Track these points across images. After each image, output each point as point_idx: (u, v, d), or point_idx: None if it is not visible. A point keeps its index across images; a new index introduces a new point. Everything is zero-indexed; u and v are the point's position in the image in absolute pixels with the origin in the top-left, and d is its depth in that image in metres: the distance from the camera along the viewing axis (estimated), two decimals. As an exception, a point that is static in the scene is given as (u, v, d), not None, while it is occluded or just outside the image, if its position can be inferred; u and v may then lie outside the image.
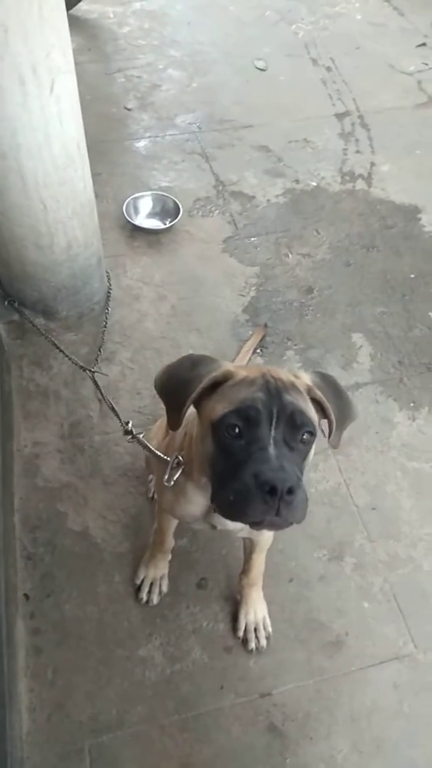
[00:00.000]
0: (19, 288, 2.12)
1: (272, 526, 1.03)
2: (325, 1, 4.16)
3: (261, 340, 2.25)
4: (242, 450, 1.01)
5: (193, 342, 2.28)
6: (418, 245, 2.66)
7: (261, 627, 1.63)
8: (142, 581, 1.70)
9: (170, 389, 1.13)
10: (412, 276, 2.54)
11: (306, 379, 1.12)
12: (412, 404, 2.14)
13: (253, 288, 2.47)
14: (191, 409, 1.14)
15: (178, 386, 1.09)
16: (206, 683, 1.58)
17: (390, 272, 2.55)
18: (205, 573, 1.75)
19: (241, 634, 1.63)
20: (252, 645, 1.62)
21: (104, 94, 3.32)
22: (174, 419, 1.11)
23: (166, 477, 1.26)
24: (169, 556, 1.71)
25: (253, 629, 1.63)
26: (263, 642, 1.62)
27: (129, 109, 3.25)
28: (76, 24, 3.76)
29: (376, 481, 1.95)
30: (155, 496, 1.85)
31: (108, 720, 1.53)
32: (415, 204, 2.83)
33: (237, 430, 1.01)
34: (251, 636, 1.62)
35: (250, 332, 2.29)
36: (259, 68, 3.59)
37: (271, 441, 1.00)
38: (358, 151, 3.09)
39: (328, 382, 1.15)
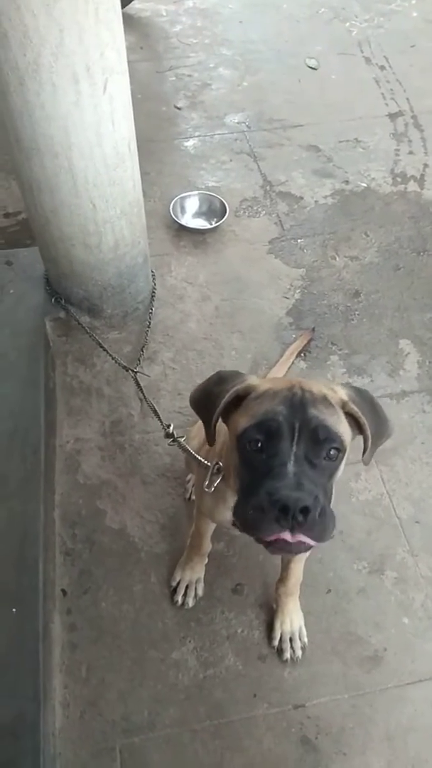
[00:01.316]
0: (66, 286, 2.14)
1: (282, 550, 1.00)
2: (381, -2, 4.07)
3: (307, 344, 2.21)
4: (263, 464, 0.99)
5: (235, 344, 2.26)
6: (471, 250, 2.57)
7: (297, 637, 1.61)
8: (178, 583, 1.69)
9: (201, 405, 1.15)
10: (464, 282, 2.46)
11: (341, 393, 1.09)
12: (460, 415, 2.07)
13: (298, 290, 2.44)
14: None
15: (207, 402, 1.11)
16: (239, 691, 1.56)
17: (441, 277, 2.47)
18: (241, 579, 1.74)
19: (276, 643, 1.61)
20: (287, 655, 1.59)
21: (155, 93, 3.33)
22: (207, 434, 1.13)
23: (207, 483, 1.25)
24: (206, 560, 1.70)
25: (288, 639, 1.60)
26: (298, 653, 1.60)
27: (179, 108, 3.25)
28: (128, 22, 3.76)
29: (421, 493, 1.89)
30: (192, 498, 1.85)
31: (140, 721, 1.53)
32: (469, 207, 2.75)
33: (259, 444, 1.00)
34: (286, 646, 1.60)
35: (294, 336, 2.26)
36: (310, 67, 3.54)
37: (292, 456, 0.97)
38: (410, 152, 3.01)
39: (363, 396, 1.12)
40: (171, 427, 1.57)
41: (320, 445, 0.99)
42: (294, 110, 3.24)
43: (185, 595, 1.68)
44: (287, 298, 2.42)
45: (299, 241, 2.61)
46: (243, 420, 1.04)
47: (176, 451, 1.96)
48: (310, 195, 2.80)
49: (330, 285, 2.45)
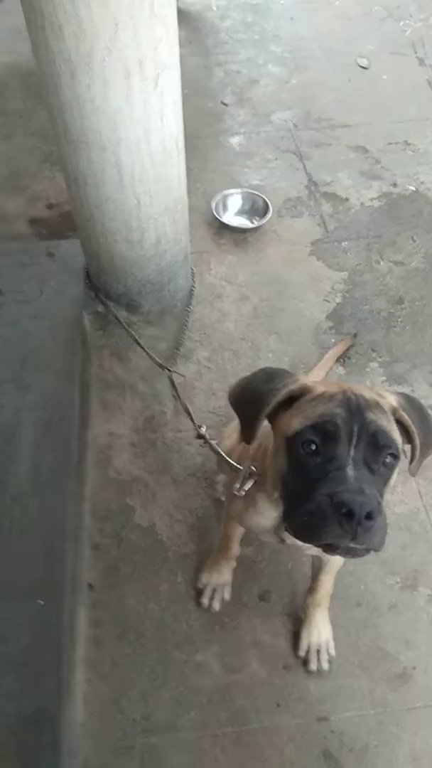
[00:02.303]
0: (106, 280, 2.14)
1: (347, 554, 0.96)
2: (437, -3, 3.97)
3: (347, 350, 2.17)
4: (318, 469, 0.95)
5: (272, 346, 2.23)
6: None
7: (324, 650, 1.57)
8: (205, 586, 1.68)
9: (244, 402, 1.09)
10: None
11: (391, 399, 1.05)
12: None
13: (339, 294, 2.39)
14: (266, 422, 1.10)
15: (253, 399, 1.05)
16: (262, 699, 1.54)
17: None
18: (269, 586, 1.71)
19: (303, 654, 1.58)
20: (313, 666, 1.56)
21: (202, 88, 3.31)
22: (248, 433, 1.08)
23: (238, 486, 1.23)
24: (234, 564, 1.68)
25: (315, 651, 1.57)
26: (325, 665, 1.57)
27: (226, 104, 3.22)
28: (178, 16, 3.76)
29: (458, 508, 1.84)
30: (222, 498, 1.83)
31: (160, 722, 1.52)
32: None
33: (313, 447, 0.96)
34: (313, 657, 1.57)
35: (334, 340, 2.22)
36: (361, 66, 3.47)
37: (351, 461, 0.94)
38: (461, 156, 2.93)
39: (413, 405, 1.08)
40: (203, 428, 1.55)
41: (379, 451, 0.96)
42: (343, 110, 3.18)
43: (212, 598, 1.66)
44: (328, 301, 2.37)
45: (343, 243, 2.56)
46: (296, 421, 0.99)
47: (208, 452, 1.94)
48: (356, 197, 2.75)
49: (373, 290, 2.40)
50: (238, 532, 1.58)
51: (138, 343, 2.16)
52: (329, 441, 0.95)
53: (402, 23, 3.78)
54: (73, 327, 2.11)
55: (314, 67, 3.45)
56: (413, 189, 2.77)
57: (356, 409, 0.97)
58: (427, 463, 1.92)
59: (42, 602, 1.53)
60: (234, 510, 1.36)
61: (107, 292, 2.18)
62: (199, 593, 1.68)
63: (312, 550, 1.36)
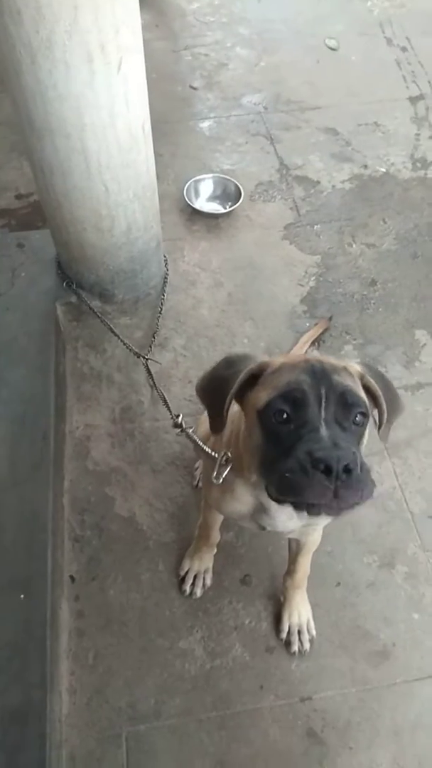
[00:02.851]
0: (77, 270, 2.11)
1: (330, 511, 0.95)
2: (404, -24, 3.95)
3: (322, 333, 2.18)
4: (292, 435, 0.96)
5: (248, 332, 2.23)
6: None
7: (305, 630, 1.60)
8: (186, 573, 1.68)
9: (211, 390, 1.11)
10: None
11: (356, 367, 1.08)
12: None
13: (313, 278, 2.39)
14: (235, 408, 1.12)
15: (218, 386, 1.08)
16: (246, 682, 1.56)
17: (459, 267, 2.42)
18: (249, 569, 1.72)
19: (284, 636, 1.60)
20: (295, 648, 1.58)
21: (170, 73, 3.26)
22: (217, 422, 1.10)
23: (215, 474, 1.23)
24: (214, 550, 1.69)
25: (296, 632, 1.59)
26: (306, 645, 1.59)
27: (195, 88, 3.18)
28: (144, 0, 3.70)
29: (434, 487, 1.86)
30: (200, 486, 1.83)
31: (146, 709, 1.53)
32: None
33: (285, 415, 0.97)
34: (294, 639, 1.59)
35: (308, 324, 2.22)
36: (330, 47, 3.45)
37: (322, 422, 0.95)
38: (431, 137, 2.93)
39: (375, 372, 1.11)
40: (180, 417, 1.55)
41: (348, 409, 0.97)
42: (312, 92, 3.16)
43: (193, 584, 1.67)
44: (302, 285, 2.37)
45: (315, 227, 2.56)
46: (264, 394, 1.01)
47: (186, 440, 1.94)
48: (327, 179, 2.75)
49: (346, 273, 2.41)
50: (218, 519, 1.59)
51: (113, 332, 2.14)
52: (299, 407, 0.96)
53: (369, 3, 3.77)
54: (46, 319, 2.08)
55: (283, 49, 3.42)
56: (384, 170, 2.78)
57: (321, 373, 0.99)
58: (402, 443, 1.95)
59: (23, 596, 1.53)
60: (212, 498, 1.37)
61: (79, 282, 2.16)
62: (181, 581, 1.69)
63: (292, 534, 1.37)
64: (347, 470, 0.89)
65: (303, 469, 0.91)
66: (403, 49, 3.43)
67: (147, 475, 1.90)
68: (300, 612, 1.61)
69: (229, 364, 1.10)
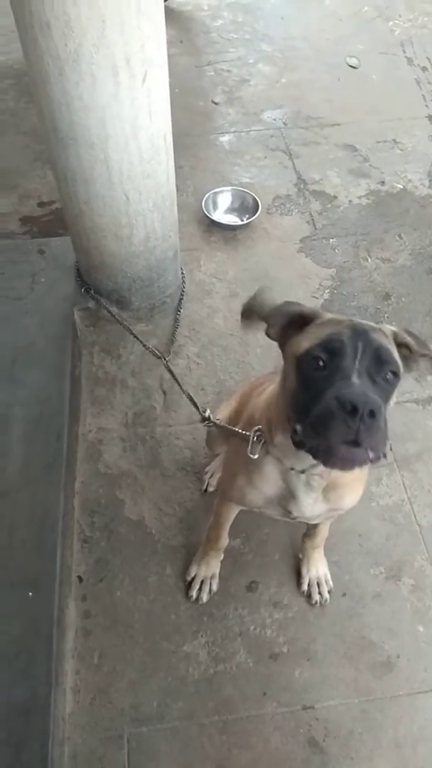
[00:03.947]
0: (96, 277, 2.15)
1: (346, 460, 0.99)
2: (426, -2, 4.01)
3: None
4: (325, 380, 1.01)
5: (261, 341, 2.25)
6: None
7: (323, 582, 1.69)
8: (193, 579, 1.70)
9: (261, 302, 1.16)
10: None
11: (391, 328, 1.12)
12: None
13: (327, 290, 2.42)
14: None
15: (270, 304, 1.13)
16: (249, 688, 1.56)
17: (474, 283, 2.43)
18: (256, 576, 1.73)
19: (305, 588, 1.70)
20: (316, 598, 1.68)
21: (192, 87, 3.33)
22: (248, 322, 1.17)
23: (249, 448, 1.25)
24: (222, 556, 1.70)
25: (316, 584, 1.69)
26: (326, 595, 1.69)
27: (216, 103, 3.24)
28: (169, 16, 3.76)
29: (443, 501, 1.86)
30: (209, 490, 1.86)
31: (149, 711, 1.54)
32: None
33: (321, 363, 1.02)
34: (315, 590, 1.69)
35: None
36: (351, 66, 3.50)
37: (355, 371, 0.99)
38: (449, 155, 2.96)
39: (411, 334, 1.14)
40: (207, 411, 1.59)
41: (381, 365, 1.02)
42: (332, 109, 3.20)
43: (200, 590, 1.69)
44: (316, 297, 2.40)
45: (331, 240, 2.59)
46: (305, 342, 1.06)
47: (197, 446, 1.97)
48: (344, 195, 2.78)
49: (360, 286, 2.43)
50: (231, 517, 1.61)
51: (133, 334, 2.17)
52: (335, 356, 1.01)
53: (391, 23, 3.81)
54: (64, 323, 2.12)
55: (304, 67, 3.48)
56: (401, 187, 2.80)
57: (361, 330, 1.03)
58: (412, 457, 1.96)
59: (31, 594, 1.55)
60: (236, 488, 1.37)
61: (97, 289, 2.20)
62: (188, 585, 1.71)
63: (318, 518, 1.39)
64: (372, 415, 0.93)
65: (330, 411, 0.95)
66: (424, 69, 3.47)
67: (157, 479, 1.92)
68: (318, 567, 1.70)
69: (288, 303, 1.14)
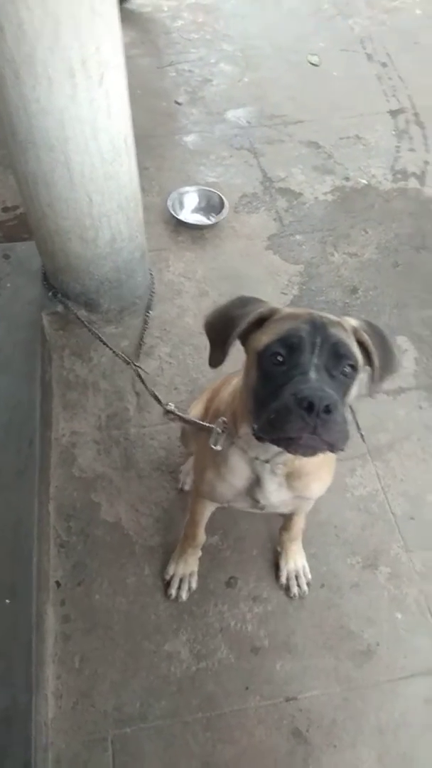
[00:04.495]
0: (63, 280, 2.14)
1: (307, 447, 1.02)
2: (384, -5, 4.07)
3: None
4: (284, 375, 1.03)
5: (233, 339, 2.26)
6: (471, 247, 2.57)
7: (301, 574, 1.70)
8: (172, 577, 1.70)
9: (219, 326, 1.16)
10: (463, 279, 2.45)
11: (353, 321, 1.13)
12: (456, 411, 2.07)
13: (296, 286, 2.44)
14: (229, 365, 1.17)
15: (227, 322, 1.13)
16: (231, 683, 1.57)
17: (439, 274, 2.47)
18: (234, 572, 1.74)
19: (283, 581, 1.70)
20: (294, 590, 1.69)
21: (155, 89, 3.33)
22: (218, 356, 1.16)
23: (212, 440, 1.28)
24: (199, 553, 1.70)
25: (294, 576, 1.70)
26: (304, 587, 1.69)
27: (179, 104, 3.25)
28: (129, 17, 3.78)
29: (416, 489, 1.89)
30: (185, 488, 1.86)
31: (132, 712, 1.53)
32: (468, 204, 2.74)
33: (280, 358, 1.04)
34: (293, 583, 1.69)
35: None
36: (312, 63, 3.53)
37: (312, 366, 1.01)
38: (411, 149, 3.01)
39: (374, 329, 1.15)
40: (171, 405, 1.60)
41: (339, 359, 1.04)
42: (295, 106, 3.23)
43: (179, 588, 1.69)
44: (285, 294, 2.42)
45: (298, 237, 2.61)
46: (265, 337, 1.07)
47: (171, 445, 1.97)
48: (309, 191, 2.80)
49: (328, 281, 2.45)
50: (207, 512, 1.62)
51: (101, 340, 2.16)
52: (294, 351, 1.03)
53: (350, 21, 3.86)
54: (32, 328, 2.11)
55: (266, 66, 3.50)
56: (365, 182, 2.84)
57: (320, 324, 1.05)
58: (384, 447, 1.99)
59: (8, 601, 1.54)
60: (206, 482, 1.39)
61: (65, 292, 2.19)
62: (167, 584, 1.70)
63: (285, 507, 1.40)
64: (327, 410, 0.96)
65: (288, 408, 0.97)
66: (384, 65, 3.52)
67: (133, 480, 1.92)
68: (296, 559, 1.71)
69: (242, 303, 1.15)
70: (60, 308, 2.23)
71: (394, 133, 3.10)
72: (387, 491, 1.88)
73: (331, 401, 0.96)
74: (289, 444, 1.03)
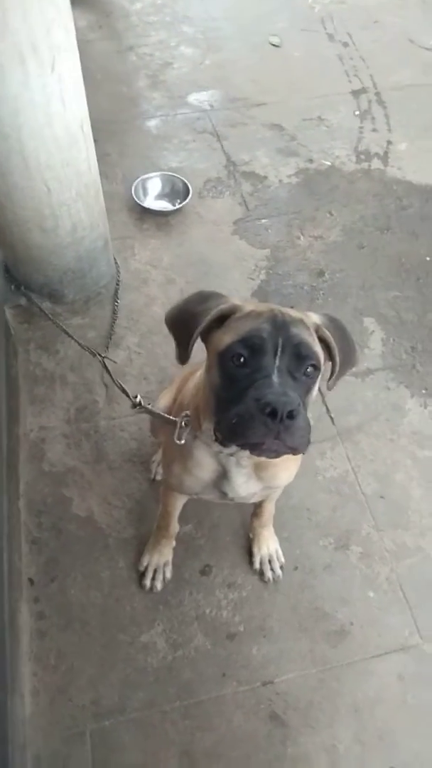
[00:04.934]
0: (25, 272, 2.10)
1: (271, 451, 1.02)
2: (344, -27, 4.03)
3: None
4: (246, 378, 1.02)
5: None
6: (435, 227, 2.58)
7: (275, 558, 1.71)
8: (146, 568, 1.69)
9: (180, 323, 1.14)
10: (428, 259, 2.47)
11: (315, 318, 1.12)
12: (424, 391, 2.09)
13: (263, 271, 2.43)
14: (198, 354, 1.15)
15: (188, 320, 1.10)
16: (208, 670, 1.58)
17: (405, 255, 2.48)
18: (209, 560, 1.74)
19: (257, 566, 1.71)
20: (268, 575, 1.69)
21: (115, 73, 3.26)
22: (183, 353, 1.13)
23: (176, 434, 1.26)
24: (173, 543, 1.70)
25: (267, 561, 1.70)
26: (278, 571, 1.70)
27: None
28: (87, 1, 3.69)
29: (386, 469, 1.91)
30: (158, 478, 1.85)
31: (110, 705, 1.53)
32: (432, 184, 2.75)
33: (242, 360, 1.02)
34: (266, 567, 1.70)
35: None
36: (273, 44, 3.49)
37: (275, 369, 1.01)
38: (374, 130, 3.00)
39: (336, 324, 1.15)
40: (138, 398, 1.57)
41: (301, 361, 1.03)
42: (257, 89, 3.20)
43: (153, 579, 1.68)
44: (252, 279, 2.40)
45: (264, 221, 2.60)
46: (227, 337, 1.05)
47: (142, 435, 1.96)
48: (274, 174, 2.78)
49: (295, 265, 2.45)
50: (178, 504, 1.61)
51: (66, 332, 2.13)
52: (256, 353, 1.02)
53: (311, 0, 3.82)
54: (-5, 322, 2.06)
55: (227, 47, 3.46)
56: (329, 164, 2.83)
57: (281, 324, 1.03)
58: (353, 428, 2.00)
59: (-21, 601, 1.51)
60: (174, 475, 1.38)
61: (28, 284, 2.14)
62: (142, 575, 1.70)
63: (254, 497, 1.40)
64: (291, 416, 0.95)
65: (250, 413, 0.97)
66: (345, 45, 3.49)
67: (104, 473, 1.90)
68: (269, 544, 1.72)
69: (202, 299, 1.12)
70: (23, 301, 2.18)
71: (356, 113, 3.09)
72: (357, 472, 1.90)
73: (294, 407, 0.95)
74: (252, 448, 1.02)
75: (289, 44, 3.49)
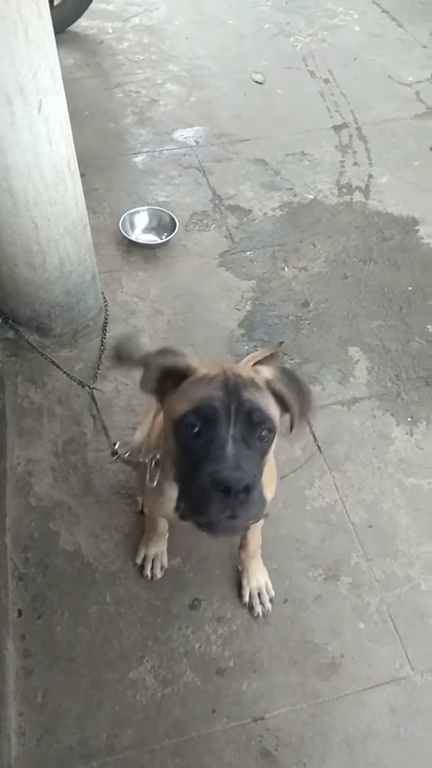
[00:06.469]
0: (13, 306, 2.12)
1: (227, 531, 1.05)
2: (323, 14, 4.18)
3: (269, 357, 2.21)
4: (201, 449, 1.02)
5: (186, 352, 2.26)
6: (416, 257, 2.64)
7: (264, 591, 1.68)
8: (144, 559, 1.73)
9: (131, 363, 1.16)
10: (410, 288, 2.51)
11: (266, 373, 1.14)
12: (409, 419, 2.11)
13: (249, 302, 2.46)
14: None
15: (145, 366, 1.11)
16: (198, 707, 1.55)
17: (387, 285, 2.53)
18: (198, 594, 1.73)
19: (246, 600, 1.68)
20: (258, 609, 1.67)
21: (102, 110, 3.34)
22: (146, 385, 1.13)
23: (148, 479, 1.27)
24: (167, 535, 1.72)
25: (257, 594, 1.68)
26: (268, 605, 1.67)
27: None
28: (75, 40, 3.80)
29: (373, 498, 1.92)
30: (144, 511, 1.85)
31: (98, 745, 1.50)
32: (412, 215, 2.81)
33: (196, 430, 1.03)
34: (256, 601, 1.68)
35: (246, 347, 2.28)
36: (256, 81, 3.60)
37: (230, 439, 1.01)
38: (355, 163, 3.08)
39: (288, 375, 1.17)
40: (116, 445, 1.58)
41: (255, 427, 1.04)
42: (241, 125, 3.28)
43: (152, 567, 1.71)
44: (239, 310, 2.44)
45: (249, 253, 2.64)
46: (180, 405, 1.06)
47: (129, 468, 1.96)
48: (258, 208, 2.84)
49: (280, 296, 2.48)
50: (162, 522, 1.65)
51: (55, 364, 2.14)
52: (209, 423, 1.02)
53: (292, 38, 3.95)
54: (-17, 356, 2.07)
55: (211, 85, 3.55)
56: (312, 197, 2.89)
57: (233, 389, 1.05)
58: (341, 457, 2.01)
59: (-35, 639, 1.50)
60: (148, 504, 1.42)
61: (16, 318, 2.16)
62: (140, 567, 1.73)
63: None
64: (246, 490, 0.96)
65: (206, 490, 0.97)
66: (326, 81, 3.60)
67: (92, 506, 1.89)
68: (258, 577, 1.69)
69: (161, 353, 1.13)
70: (11, 334, 2.20)
71: (338, 148, 3.17)
72: (345, 501, 1.90)
73: (248, 481, 0.97)
74: (210, 529, 1.03)
75: (272, 81, 3.59)
